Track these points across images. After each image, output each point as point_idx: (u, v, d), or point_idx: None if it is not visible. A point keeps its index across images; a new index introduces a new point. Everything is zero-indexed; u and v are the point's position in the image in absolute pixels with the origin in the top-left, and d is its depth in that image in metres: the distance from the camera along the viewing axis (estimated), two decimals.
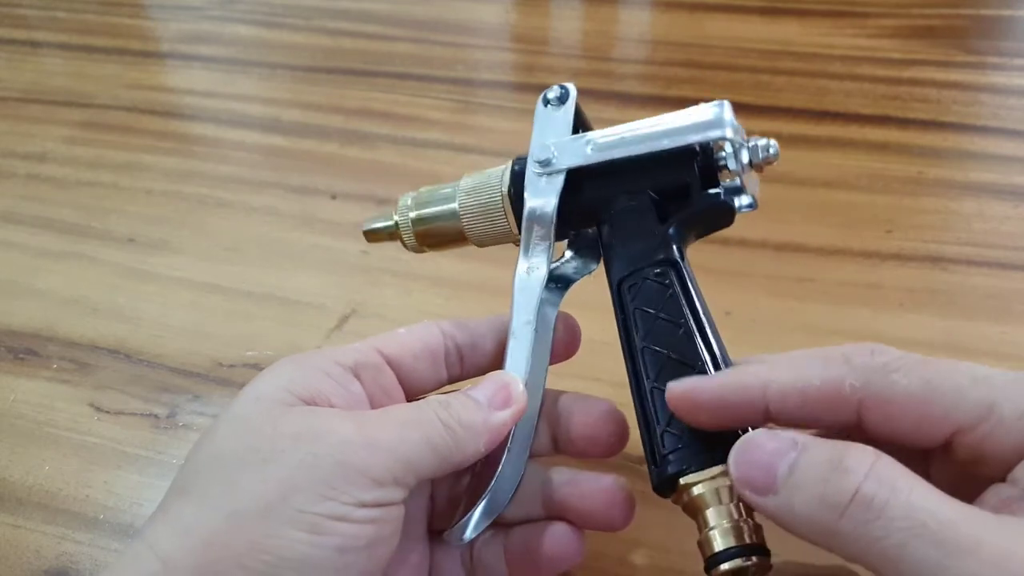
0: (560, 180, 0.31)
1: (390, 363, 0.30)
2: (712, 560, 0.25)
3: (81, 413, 0.43)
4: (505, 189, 0.32)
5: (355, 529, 0.24)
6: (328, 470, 0.24)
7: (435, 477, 0.28)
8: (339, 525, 0.24)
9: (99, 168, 0.62)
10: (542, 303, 0.31)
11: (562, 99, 0.32)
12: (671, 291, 0.28)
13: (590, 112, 0.34)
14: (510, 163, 0.33)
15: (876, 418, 0.23)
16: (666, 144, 0.30)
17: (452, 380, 0.33)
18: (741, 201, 0.30)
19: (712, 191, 0.30)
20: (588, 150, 0.31)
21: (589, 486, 0.30)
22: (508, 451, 0.30)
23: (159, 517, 0.25)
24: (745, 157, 0.29)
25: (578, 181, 0.31)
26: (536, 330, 0.31)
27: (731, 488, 0.25)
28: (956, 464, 0.22)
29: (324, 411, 0.27)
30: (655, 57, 0.76)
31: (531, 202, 0.31)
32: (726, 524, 0.25)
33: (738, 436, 0.24)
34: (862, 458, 0.21)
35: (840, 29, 0.75)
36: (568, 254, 0.34)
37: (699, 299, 0.29)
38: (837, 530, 0.20)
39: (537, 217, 0.31)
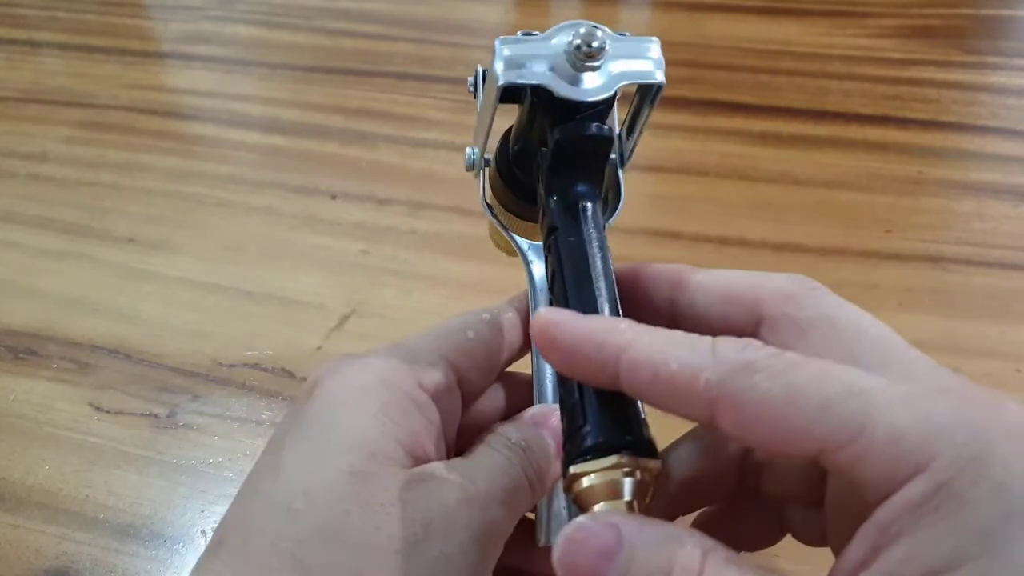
0: None
1: (460, 383, 0.27)
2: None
3: (81, 413, 0.43)
4: None
5: None
6: None
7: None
8: None
9: (99, 168, 0.62)
10: None
11: None
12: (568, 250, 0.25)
13: None
14: None
15: (729, 423, 0.20)
16: None
17: None
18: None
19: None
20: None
21: None
22: None
23: None
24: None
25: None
26: None
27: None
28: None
29: (441, 492, 0.24)
30: None
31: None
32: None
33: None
34: (689, 563, 0.19)
35: (840, 29, 0.75)
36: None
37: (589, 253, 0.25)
38: None
39: None
